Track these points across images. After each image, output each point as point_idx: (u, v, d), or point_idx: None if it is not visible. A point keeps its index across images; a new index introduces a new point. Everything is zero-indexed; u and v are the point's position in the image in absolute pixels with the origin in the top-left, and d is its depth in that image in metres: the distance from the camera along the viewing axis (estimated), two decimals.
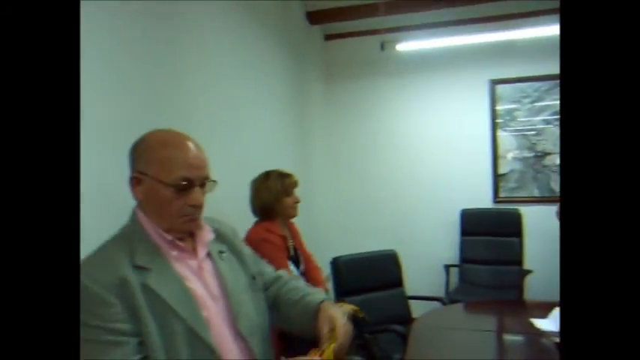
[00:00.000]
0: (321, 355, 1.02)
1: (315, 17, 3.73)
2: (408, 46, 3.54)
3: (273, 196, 2.06)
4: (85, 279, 0.94)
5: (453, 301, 3.02)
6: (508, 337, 2.13)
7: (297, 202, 2.14)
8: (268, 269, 1.32)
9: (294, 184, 2.13)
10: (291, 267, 2.02)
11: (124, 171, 1.10)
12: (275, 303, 1.25)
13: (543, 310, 2.10)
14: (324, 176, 4.13)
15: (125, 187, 1.09)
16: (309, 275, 2.15)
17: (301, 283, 1.32)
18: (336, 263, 2.63)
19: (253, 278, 1.19)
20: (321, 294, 1.23)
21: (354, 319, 2.29)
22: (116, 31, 1.52)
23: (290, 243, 2.13)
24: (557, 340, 1.81)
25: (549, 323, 1.99)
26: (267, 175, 2.12)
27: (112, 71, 1.50)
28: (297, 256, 2.15)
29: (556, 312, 2.05)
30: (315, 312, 1.15)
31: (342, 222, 4.23)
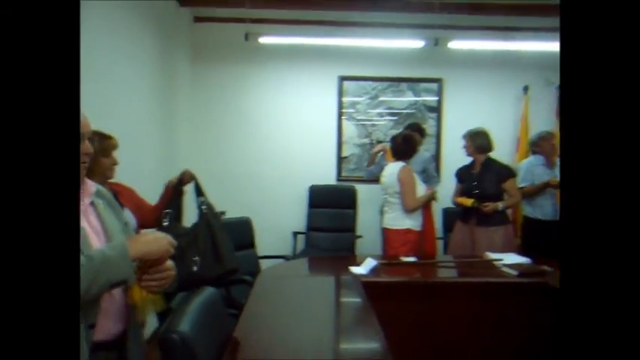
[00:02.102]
0: None
1: None
2: (270, 39, 3.99)
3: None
4: None
5: None
6: (334, 279, 2.77)
7: (115, 164, 2.16)
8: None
9: (113, 146, 2.15)
10: None
11: None
12: None
13: (361, 262, 2.81)
14: (189, 152, 4.40)
15: None
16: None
17: None
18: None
19: (125, 225, 1.54)
20: None
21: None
22: None
23: None
24: (363, 279, 2.52)
25: (360, 269, 2.71)
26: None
27: None
28: None
29: (366, 262, 2.77)
30: None
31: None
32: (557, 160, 3.68)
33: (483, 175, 3.33)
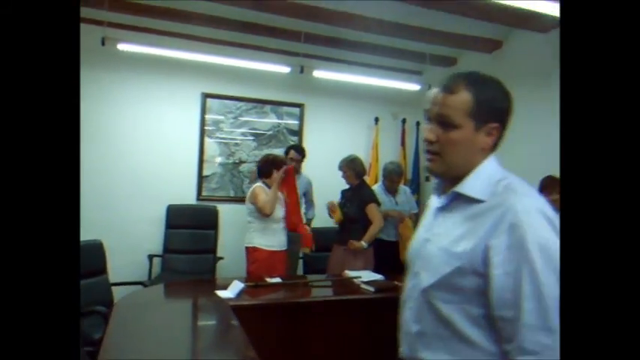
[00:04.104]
0: None
1: None
2: (130, 47, 3.71)
3: None
4: None
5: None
6: (199, 304, 2.65)
7: None
8: None
9: None
10: None
11: None
12: None
13: (225, 285, 2.74)
14: None
15: None
16: None
17: None
18: None
19: None
20: None
21: None
22: None
23: None
24: (231, 303, 2.46)
25: (227, 293, 2.64)
26: None
27: None
28: None
29: (233, 285, 2.72)
30: None
31: None
32: (400, 187, 4.13)
33: (352, 198, 3.55)
